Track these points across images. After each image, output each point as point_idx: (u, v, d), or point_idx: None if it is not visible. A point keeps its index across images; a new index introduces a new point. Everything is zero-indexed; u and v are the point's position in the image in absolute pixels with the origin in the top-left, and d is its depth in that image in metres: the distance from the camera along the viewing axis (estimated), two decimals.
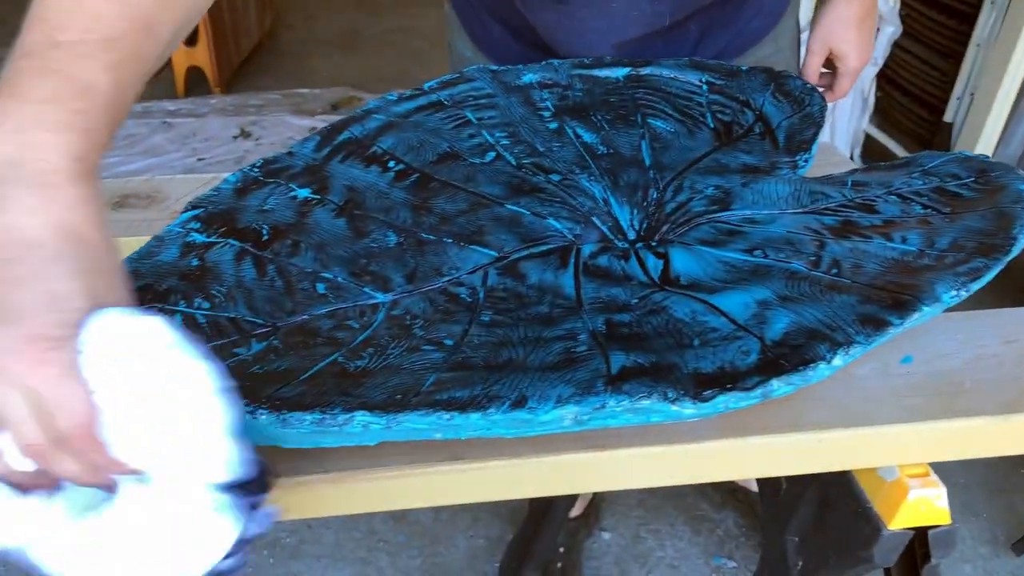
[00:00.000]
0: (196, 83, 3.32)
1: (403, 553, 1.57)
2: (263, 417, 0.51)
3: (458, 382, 0.55)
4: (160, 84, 3.36)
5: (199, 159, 2.97)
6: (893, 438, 0.63)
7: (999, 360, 0.68)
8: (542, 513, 1.31)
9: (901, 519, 0.63)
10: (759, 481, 0.84)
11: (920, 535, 0.66)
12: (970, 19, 2.21)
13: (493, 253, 0.72)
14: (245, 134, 3.09)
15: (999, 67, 2.08)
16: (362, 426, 0.51)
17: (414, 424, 0.51)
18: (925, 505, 0.63)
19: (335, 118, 3.43)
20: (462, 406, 0.52)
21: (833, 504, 0.70)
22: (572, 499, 1.25)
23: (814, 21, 1.12)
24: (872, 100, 2.46)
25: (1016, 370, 0.67)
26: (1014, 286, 1.51)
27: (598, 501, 1.63)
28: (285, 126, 3.17)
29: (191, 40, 3.24)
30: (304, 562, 1.55)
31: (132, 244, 0.84)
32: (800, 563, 0.74)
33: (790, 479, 0.78)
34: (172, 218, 0.87)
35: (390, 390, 0.54)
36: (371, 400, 0.52)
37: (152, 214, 0.88)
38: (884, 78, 2.54)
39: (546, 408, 0.52)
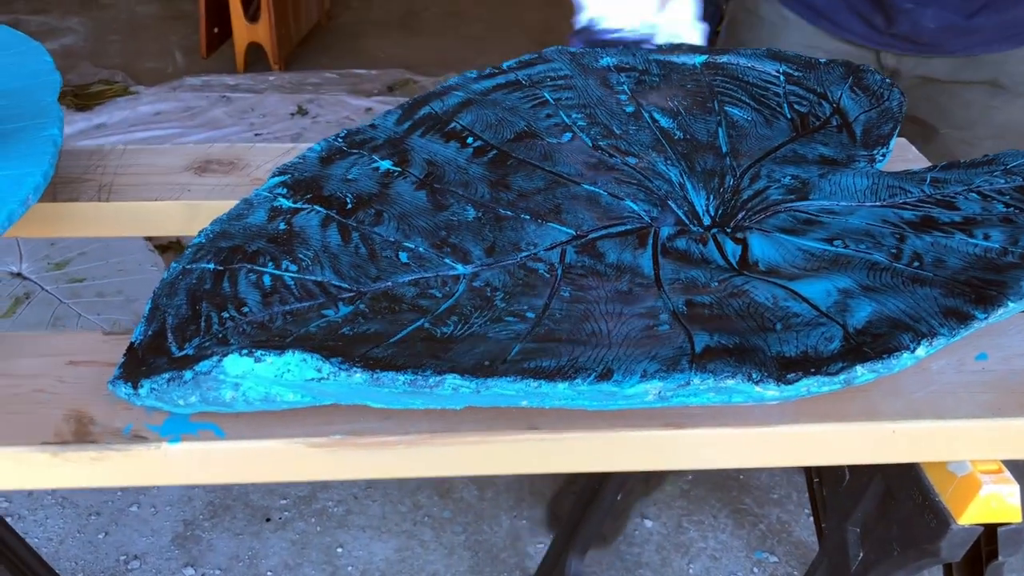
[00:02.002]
0: (256, 60, 3.36)
1: (447, 528, 1.59)
2: (357, 375, 0.53)
3: (544, 352, 0.56)
4: (221, 59, 3.42)
5: (256, 134, 3.04)
6: (966, 433, 0.63)
7: None
8: (589, 498, 1.32)
9: (971, 514, 0.64)
10: (822, 471, 0.85)
11: (988, 532, 0.66)
12: None
13: (571, 231, 0.73)
14: (302, 111, 3.14)
15: None
16: (452, 388, 0.53)
17: (502, 390, 0.53)
18: (997, 501, 0.63)
19: (391, 99, 3.45)
20: (549, 375, 0.53)
21: (898, 496, 0.70)
22: (621, 486, 1.26)
23: None
24: None
25: None
26: None
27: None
28: (341, 105, 3.21)
29: (253, 17, 3.28)
30: (350, 532, 1.57)
31: (215, 207, 0.86)
32: (861, 554, 0.74)
33: (853, 470, 0.78)
34: (253, 183, 0.89)
35: (478, 356, 0.55)
36: (461, 364, 0.54)
37: (234, 179, 0.90)
38: None
39: (632, 382, 0.53)
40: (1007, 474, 0.64)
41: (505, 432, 0.60)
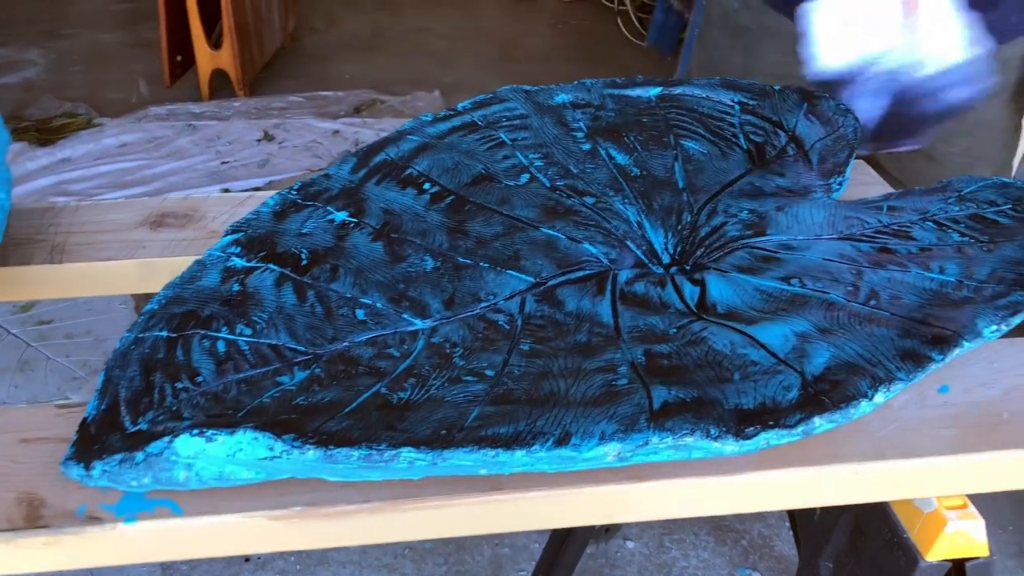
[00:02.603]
0: (220, 86, 3.34)
1: (429, 560, 1.58)
2: (311, 453, 0.52)
3: (502, 417, 0.55)
4: (185, 87, 3.39)
5: (223, 162, 3.01)
6: (930, 470, 0.63)
7: None
8: (567, 528, 1.32)
9: (939, 551, 0.64)
10: None
11: (958, 567, 0.66)
12: None
13: (530, 279, 0.73)
14: (268, 137, 3.12)
15: None
16: (408, 462, 0.52)
17: (459, 460, 0.52)
18: (963, 537, 0.63)
19: (358, 120, 3.43)
20: (507, 443, 0.52)
21: (868, 533, 0.70)
22: None
23: None
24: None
25: None
26: None
27: None
28: (308, 129, 3.20)
29: (216, 43, 3.27)
30: (331, 568, 1.56)
31: (170, 264, 0.85)
32: None
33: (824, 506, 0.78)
34: (209, 237, 0.88)
35: (435, 424, 0.55)
36: (416, 435, 0.53)
37: (189, 233, 0.89)
38: None
39: (590, 445, 0.53)
40: (972, 509, 0.65)
41: (468, 495, 0.59)
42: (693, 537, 1.64)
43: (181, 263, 0.84)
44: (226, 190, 2.68)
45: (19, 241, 0.87)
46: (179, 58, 3.40)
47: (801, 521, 0.80)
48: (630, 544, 1.62)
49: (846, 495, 0.63)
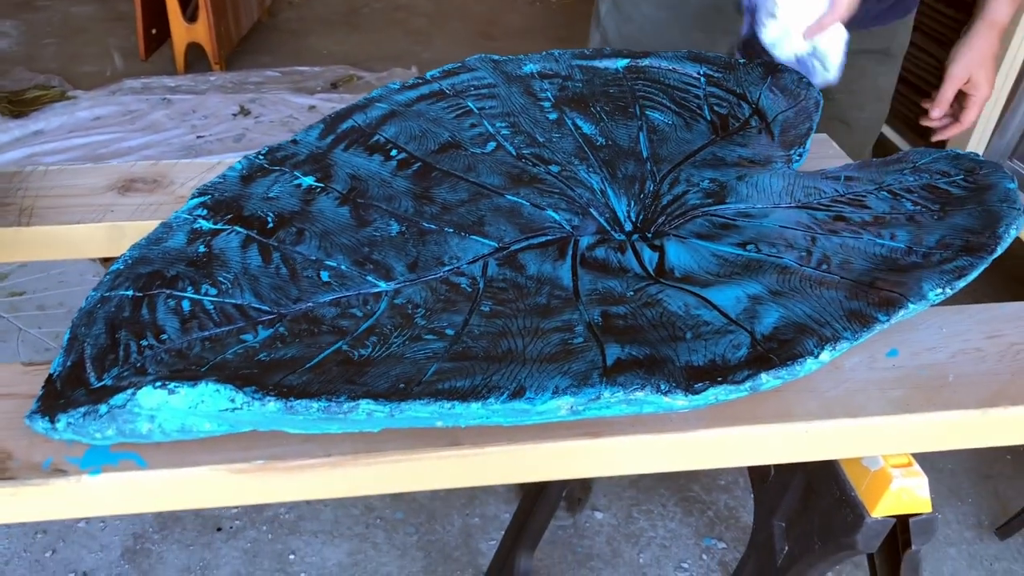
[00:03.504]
0: (196, 60, 3.32)
1: (400, 530, 1.59)
2: (271, 404, 0.53)
3: (459, 372, 0.57)
4: (160, 61, 3.37)
5: (198, 136, 2.99)
6: (877, 430, 0.65)
7: (982, 355, 0.70)
8: (536, 493, 1.33)
9: (884, 507, 0.66)
10: (750, 469, 0.87)
11: (902, 522, 0.68)
12: (967, 7, 2.22)
13: (493, 244, 0.74)
14: (244, 112, 3.10)
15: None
16: (367, 414, 0.53)
17: (416, 412, 0.53)
18: (907, 494, 0.65)
19: (335, 96, 3.40)
20: (463, 395, 0.54)
21: (818, 491, 0.72)
22: (566, 481, 1.27)
23: (956, 54, 1.25)
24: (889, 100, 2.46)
25: (998, 365, 0.69)
26: (1007, 276, 1.53)
27: (589, 480, 1.66)
28: (284, 104, 3.18)
29: (192, 17, 3.24)
30: (302, 538, 1.57)
31: (139, 228, 0.86)
32: (786, 548, 0.76)
33: (778, 466, 0.80)
34: (178, 202, 0.89)
35: (393, 379, 0.56)
36: (375, 389, 0.55)
37: (158, 198, 0.89)
38: (901, 80, 2.54)
39: (543, 398, 0.54)
40: (916, 467, 0.67)
41: (428, 449, 0.61)
42: (661, 508, 1.66)
43: (150, 227, 0.84)
44: None
45: None
46: (154, 31, 3.37)
47: (755, 484, 0.82)
48: (599, 515, 1.64)
49: (796, 453, 0.65)
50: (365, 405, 0.53)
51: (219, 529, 1.58)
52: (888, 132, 2.55)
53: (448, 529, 1.60)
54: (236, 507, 1.62)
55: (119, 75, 3.29)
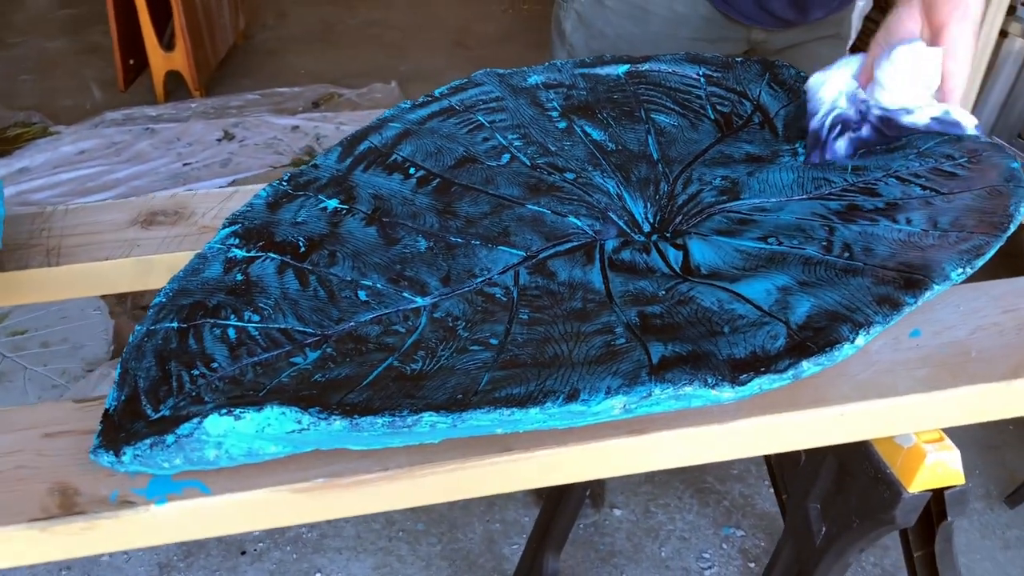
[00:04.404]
0: (176, 88, 3.32)
1: (423, 541, 1.61)
2: (337, 423, 0.55)
3: (512, 379, 0.59)
4: (140, 91, 3.37)
5: (185, 163, 3.00)
6: (908, 408, 0.67)
7: (1000, 329, 0.73)
8: (559, 495, 1.35)
9: (920, 482, 0.68)
10: (779, 456, 0.89)
11: (936, 496, 0.71)
12: None
13: (521, 253, 0.76)
14: (228, 136, 3.11)
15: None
16: (430, 426, 0.55)
17: (478, 421, 0.55)
18: (942, 468, 0.68)
19: (316, 115, 3.42)
20: (520, 402, 0.56)
21: (852, 472, 0.75)
22: (589, 481, 1.30)
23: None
24: None
25: (1016, 337, 0.72)
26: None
27: (604, 479, 1.69)
28: (267, 126, 3.20)
29: (169, 44, 3.24)
30: (327, 556, 1.59)
31: (167, 260, 0.87)
32: (824, 529, 0.79)
33: (808, 451, 0.83)
34: (201, 233, 0.91)
35: (450, 390, 0.58)
36: (435, 401, 0.56)
37: (181, 230, 0.91)
38: (856, 51, 2.59)
39: (597, 399, 0.56)
40: (948, 441, 0.69)
41: (481, 457, 0.63)
42: (677, 501, 1.69)
43: (177, 259, 0.87)
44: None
45: (14, 247, 0.88)
46: (131, 61, 3.38)
47: (786, 469, 0.84)
48: (617, 512, 1.66)
49: (832, 436, 0.68)
50: (428, 418, 0.55)
51: (243, 553, 1.59)
52: None
53: (471, 537, 1.62)
54: (259, 530, 1.63)
55: (99, 107, 3.30)
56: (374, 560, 1.58)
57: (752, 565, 1.56)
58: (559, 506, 1.32)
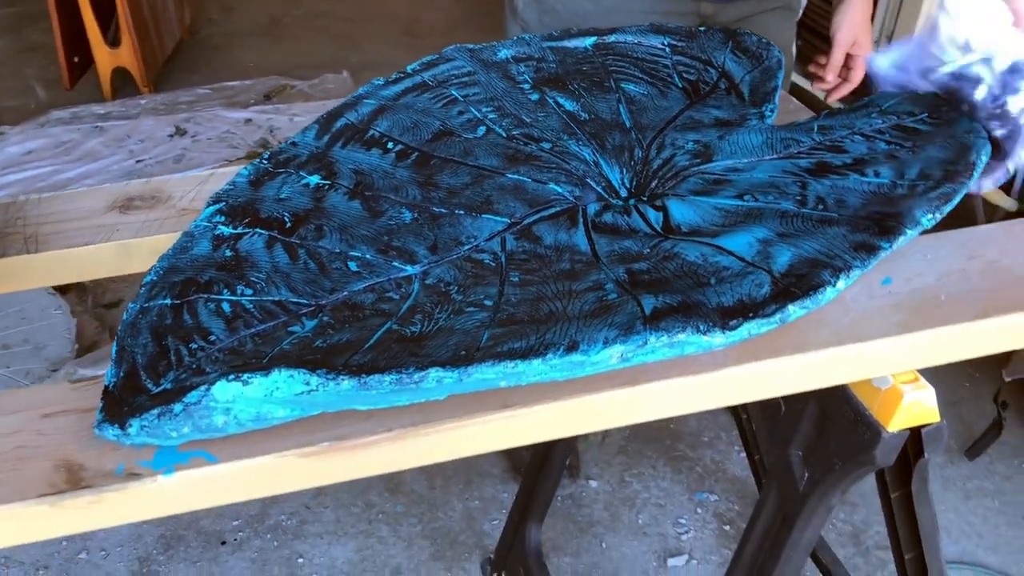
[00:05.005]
0: (123, 85, 3.27)
1: (403, 522, 1.62)
2: (345, 383, 0.56)
3: (512, 335, 0.60)
4: (86, 88, 3.31)
5: (138, 160, 2.96)
6: (885, 350, 0.70)
7: (966, 274, 0.76)
8: (540, 466, 1.38)
9: (898, 421, 0.72)
10: (759, 407, 0.92)
11: (913, 435, 0.74)
12: None
13: (506, 220, 0.78)
14: (180, 132, 3.07)
15: (912, 9, 2.19)
16: (436, 381, 0.57)
17: (483, 374, 0.57)
18: (918, 406, 0.71)
19: (269, 107, 3.38)
20: (523, 355, 0.58)
21: (832, 417, 0.78)
22: (568, 451, 1.32)
23: (839, 21, 1.35)
24: (794, 49, 2.55)
25: (982, 282, 0.75)
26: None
27: (580, 451, 1.71)
28: (220, 120, 3.16)
29: (114, 41, 3.19)
30: (308, 541, 1.59)
31: (149, 244, 0.88)
32: (807, 474, 0.81)
33: (787, 399, 0.85)
34: (181, 215, 0.91)
35: (453, 348, 0.60)
36: (440, 358, 0.58)
37: (160, 213, 0.91)
38: (803, 26, 2.63)
39: (596, 349, 0.58)
40: (923, 381, 0.73)
41: (481, 414, 0.64)
42: (651, 470, 1.72)
43: (159, 241, 0.87)
44: None
45: None
46: (76, 59, 3.31)
47: (766, 420, 0.87)
48: (593, 483, 1.69)
49: (814, 380, 0.71)
50: (434, 373, 0.57)
51: (224, 543, 1.59)
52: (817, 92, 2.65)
53: (450, 515, 1.63)
54: (237, 520, 1.63)
55: (44, 106, 3.23)
56: (355, 543, 1.59)
57: (727, 528, 1.60)
58: (540, 477, 1.34)
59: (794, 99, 1.09)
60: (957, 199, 0.70)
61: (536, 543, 1.38)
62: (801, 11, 2.46)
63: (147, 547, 1.58)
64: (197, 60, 3.65)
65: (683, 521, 1.62)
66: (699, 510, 1.64)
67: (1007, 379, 1.65)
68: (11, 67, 3.58)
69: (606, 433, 1.77)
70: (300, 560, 1.56)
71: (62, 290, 2.17)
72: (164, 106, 3.22)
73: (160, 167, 2.87)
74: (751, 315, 0.60)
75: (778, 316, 0.61)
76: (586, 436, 1.75)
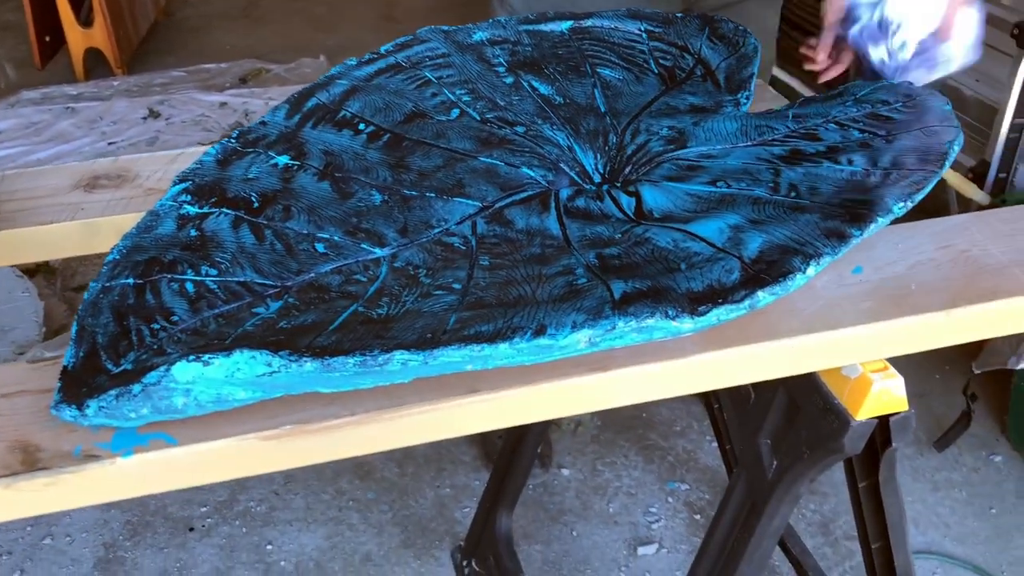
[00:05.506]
0: (96, 66, 3.23)
1: (374, 509, 1.61)
2: (308, 364, 0.55)
3: (479, 318, 0.60)
4: (58, 69, 3.26)
5: (110, 143, 2.92)
6: (854, 339, 0.70)
7: (936, 263, 0.76)
8: (511, 454, 1.37)
9: (867, 409, 0.71)
10: (726, 396, 0.92)
11: (881, 423, 0.74)
12: None
13: (477, 203, 0.77)
14: (154, 114, 3.04)
15: None
16: (401, 363, 0.56)
17: (448, 357, 0.56)
18: (887, 395, 0.71)
19: (244, 90, 3.36)
20: (490, 338, 0.57)
21: (802, 405, 0.78)
22: (539, 439, 1.32)
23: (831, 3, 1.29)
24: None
25: (952, 271, 0.75)
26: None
27: (552, 439, 1.71)
28: (194, 103, 3.12)
29: (86, 21, 3.14)
30: (277, 528, 1.58)
31: (113, 223, 0.86)
32: (775, 463, 0.81)
33: (757, 388, 0.85)
34: (147, 195, 0.89)
35: (419, 331, 0.59)
36: (405, 340, 0.57)
37: (126, 192, 0.89)
38: (784, 20, 2.64)
39: (564, 333, 0.57)
40: (892, 370, 0.73)
41: (448, 399, 0.63)
42: (623, 459, 1.72)
43: (124, 221, 0.85)
44: None
45: None
46: (47, 39, 3.27)
47: (737, 408, 0.87)
48: (565, 472, 1.69)
49: (784, 368, 0.70)
50: (399, 356, 0.56)
51: (191, 529, 1.58)
52: (793, 82, 2.66)
53: (421, 503, 1.63)
54: (206, 506, 1.61)
55: (14, 86, 3.18)
56: (325, 530, 1.58)
57: (697, 517, 1.61)
58: (511, 465, 1.34)
59: (770, 88, 1.09)
60: (929, 187, 0.70)
61: (506, 531, 1.38)
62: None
63: (113, 533, 1.56)
64: (173, 42, 3.61)
65: (654, 510, 1.62)
66: (670, 499, 1.64)
67: (976, 371, 1.66)
68: None
69: (579, 422, 1.77)
70: (269, 547, 1.55)
71: (30, 273, 2.14)
72: (138, 88, 3.18)
73: (133, 149, 2.84)
74: (720, 301, 0.60)
75: (747, 302, 0.60)
76: (559, 425, 1.74)
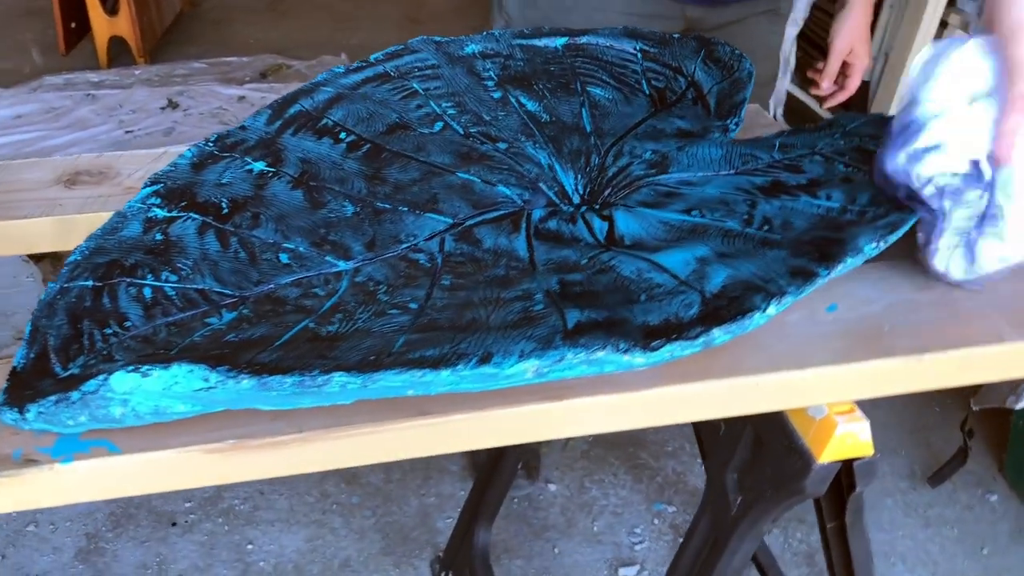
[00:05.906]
0: (119, 54, 3.25)
1: (357, 514, 1.61)
2: (245, 382, 0.54)
3: (427, 342, 0.58)
4: (82, 55, 3.28)
5: (127, 131, 2.93)
6: (821, 379, 0.69)
7: (915, 305, 0.74)
8: (492, 468, 1.36)
9: (830, 452, 0.70)
10: (701, 425, 0.90)
11: (846, 466, 0.72)
12: None
13: (448, 220, 0.76)
14: (173, 105, 3.05)
15: (911, 27, 2.17)
16: (340, 386, 0.55)
17: (389, 382, 0.55)
18: (851, 438, 0.70)
19: (264, 85, 3.35)
20: (433, 364, 0.56)
21: (767, 442, 0.76)
22: (522, 453, 1.30)
23: (837, 29, 1.36)
24: (793, 61, 2.53)
25: (930, 314, 0.73)
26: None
27: (541, 453, 1.70)
28: (213, 96, 3.13)
29: (112, 9, 3.17)
30: (259, 528, 1.58)
31: (89, 220, 0.86)
32: (740, 498, 0.80)
33: (728, 421, 0.84)
34: (126, 193, 0.89)
35: (364, 352, 0.58)
36: (347, 361, 0.56)
37: (105, 190, 0.89)
38: (804, 38, 2.61)
39: (510, 362, 0.56)
40: (859, 413, 0.71)
41: (397, 420, 0.62)
42: (612, 477, 1.70)
43: (99, 219, 0.84)
44: None
45: None
46: (73, 25, 3.29)
47: (708, 437, 0.86)
48: (552, 487, 1.68)
49: (746, 405, 0.69)
50: (338, 378, 0.55)
51: (174, 524, 1.58)
52: (811, 102, 2.63)
53: (405, 510, 1.62)
54: (190, 501, 1.61)
55: (39, 71, 3.21)
56: (307, 532, 1.57)
57: (682, 540, 1.58)
58: (491, 479, 1.32)
59: (766, 113, 1.07)
60: (904, 228, 0.69)
61: (484, 545, 1.36)
62: (802, 22, 2.45)
63: (96, 523, 1.57)
64: (196, 33, 3.63)
65: (638, 531, 1.60)
66: (656, 520, 1.63)
67: (975, 408, 1.63)
68: (10, 30, 3.57)
69: (569, 436, 1.76)
70: (250, 546, 1.54)
71: (36, 259, 2.15)
72: (159, 78, 3.19)
73: (149, 139, 2.85)
74: (675, 336, 0.59)
75: (702, 340, 0.59)
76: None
